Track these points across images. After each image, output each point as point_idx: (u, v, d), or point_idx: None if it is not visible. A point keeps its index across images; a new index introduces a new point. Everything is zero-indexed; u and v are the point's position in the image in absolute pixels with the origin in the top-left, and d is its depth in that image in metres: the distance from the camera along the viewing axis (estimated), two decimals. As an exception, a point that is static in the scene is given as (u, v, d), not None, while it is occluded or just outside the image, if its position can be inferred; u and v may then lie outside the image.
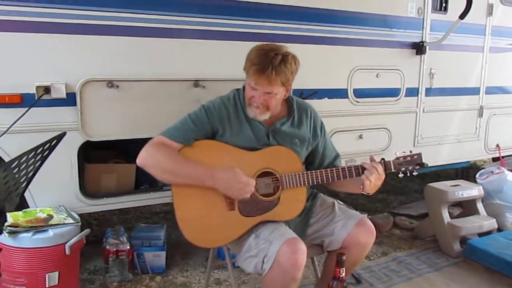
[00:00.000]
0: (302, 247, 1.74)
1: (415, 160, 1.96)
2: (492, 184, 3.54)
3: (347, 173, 1.92)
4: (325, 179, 1.92)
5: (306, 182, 1.90)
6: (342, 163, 2.96)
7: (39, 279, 2.03)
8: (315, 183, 1.92)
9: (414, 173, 1.97)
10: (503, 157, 4.04)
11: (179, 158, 1.83)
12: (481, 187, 3.33)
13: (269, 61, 1.78)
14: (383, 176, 1.90)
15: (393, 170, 1.94)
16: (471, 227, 3.12)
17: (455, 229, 3.07)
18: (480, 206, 3.31)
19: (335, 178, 1.92)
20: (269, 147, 1.93)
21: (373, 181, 1.87)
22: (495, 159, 4.33)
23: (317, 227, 2.03)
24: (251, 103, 1.88)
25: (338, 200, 2.12)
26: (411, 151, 1.98)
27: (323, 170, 1.93)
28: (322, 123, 2.12)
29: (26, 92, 2.17)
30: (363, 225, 1.93)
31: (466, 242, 3.01)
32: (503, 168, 3.70)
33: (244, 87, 1.95)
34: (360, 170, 1.90)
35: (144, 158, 1.83)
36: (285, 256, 1.69)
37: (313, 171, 1.92)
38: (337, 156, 2.16)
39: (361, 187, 1.91)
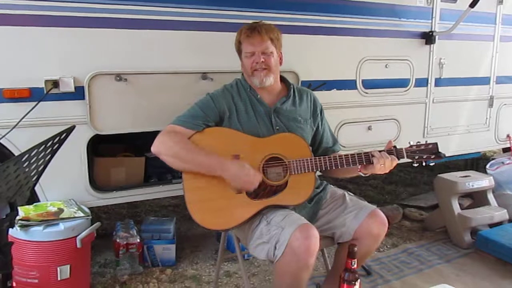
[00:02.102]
0: (315, 233, 1.74)
1: (431, 149, 1.93)
2: (502, 174, 3.51)
3: (357, 160, 1.92)
4: (333, 165, 1.92)
5: (314, 168, 1.92)
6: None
7: (50, 272, 2.05)
8: (323, 168, 1.93)
9: (431, 164, 1.93)
10: (513, 147, 4.00)
11: (191, 146, 1.87)
12: (491, 177, 3.30)
13: (255, 24, 2.03)
14: (394, 165, 1.90)
15: (405, 158, 1.92)
16: (481, 218, 3.09)
17: (466, 220, 3.05)
18: (490, 197, 3.29)
19: (344, 164, 1.92)
20: (277, 134, 1.98)
21: (380, 169, 1.88)
22: (505, 150, 4.28)
23: (327, 218, 2.02)
24: (253, 70, 1.99)
25: (348, 192, 2.12)
26: (426, 141, 1.96)
27: (331, 156, 1.94)
28: (321, 107, 2.17)
29: (35, 86, 2.17)
30: (376, 216, 1.92)
31: (477, 233, 2.99)
32: (514, 158, 3.67)
33: (242, 74, 2.08)
34: (370, 157, 1.89)
35: (157, 146, 1.88)
36: (297, 241, 1.69)
37: (321, 157, 1.93)
38: (335, 141, 2.20)
39: (359, 168, 1.93)
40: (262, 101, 2.03)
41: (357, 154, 1.92)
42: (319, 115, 2.15)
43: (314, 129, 2.12)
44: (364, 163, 1.91)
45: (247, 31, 1.99)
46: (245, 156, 1.90)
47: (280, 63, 2.08)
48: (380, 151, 1.90)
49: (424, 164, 1.94)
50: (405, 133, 3.31)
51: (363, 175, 1.97)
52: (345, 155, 1.94)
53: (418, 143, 1.95)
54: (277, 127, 2.00)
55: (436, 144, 1.95)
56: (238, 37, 2.04)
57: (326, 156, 1.94)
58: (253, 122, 1.98)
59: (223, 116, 1.97)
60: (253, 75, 2.00)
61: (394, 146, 1.93)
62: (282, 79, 2.13)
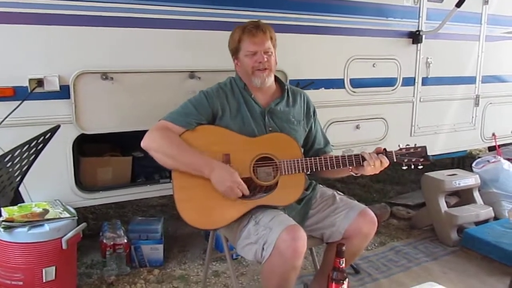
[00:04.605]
0: (302, 234, 1.73)
1: (419, 152, 1.94)
2: (488, 173, 3.55)
3: (347, 162, 1.92)
4: (324, 167, 1.92)
5: (304, 169, 1.91)
6: (339, 153, 2.96)
7: (36, 274, 2.02)
8: (314, 170, 1.93)
9: (419, 166, 1.94)
10: (499, 146, 4.04)
11: (182, 145, 1.85)
12: (477, 176, 3.34)
13: (256, 22, 2.00)
14: (384, 166, 1.90)
15: (395, 160, 1.93)
16: (468, 216, 3.12)
17: (452, 218, 3.08)
18: (476, 195, 3.33)
19: (335, 166, 1.92)
20: (269, 133, 1.97)
21: (370, 171, 1.89)
22: (491, 148, 4.34)
23: (317, 218, 2.02)
24: (255, 70, 1.96)
25: (337, 191, 2.12)
26: (415, 144, 1.96)
27: (322, 157, 1.94)
28: (314, 108, 2.17)
29: (19, 85, 2.13)
30: (365, 215, 1.93)
31: (463, 231, 3.02)
32: (499, 157, 3.71)
33: (236, 73, 2.05)
34: (360, 159, 1.90)
35: (147, 142, 1.87)
36: (285, 243, 1.68)
37: (312, 158, 1.93)
38: (327, 142, 2.19)
39: (350, 168, 1.93)
40: (256, 101, 2.01)
41: (348, 156, 1.92)
42: (312, 116, 2.14)
43: (307, 130, 2.12)
44: (355, 165, 1.91)
45: (251, 29, 1.95)
46: (235, 155, 1.89)
47: (276, 64, 2.05)
48: (370, 153, 1.90)
49: (412, 167, 1.94)
50: (392, 132, 3.32)
51: (354, 174, 1.97)
52: (335, 157, 1.93)
53: (408, 146, 1.95)
54: (270, 128, 1.99)
55: (425, 147, 1.96)
56: (238, 35, 1.97)
57: (317, 157, 1.94)
58: (246, 122, 1.96)
59: (216, 115, 1.95)
60: (255, 75, 1.97)
61: (384, 149, 1.93)
62: (276, 79, 2.11)
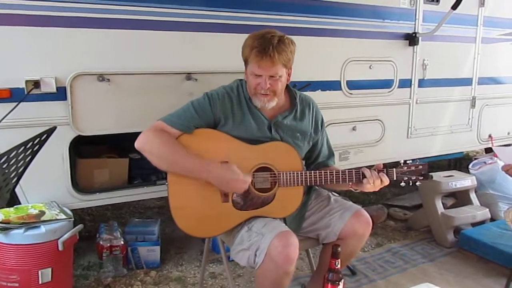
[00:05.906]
0: (294, 240, 1.72)
1: (419, 170, 1.91)
2: (485, 174, 3.57)
3: (347, 178, 1.88)
4: (323, 181, 1.88)
5: (303, 182, 1.87)
6: (336, 155, 2.97)
7: (32, 275, 2.01)
8: (312, 184, 1.90)
9: (417, 183, 1.92)
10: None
11: (177, 147, 1.80)
12: (474, 177, 3.36)
13: (268, 42, 1.78)
14: (384, 185, 1.88)
15: (394, 179, 1.91)
16: (464, 217, 3.14)
17: (449, 219, 3.09)
18: (473, 196, 3.34)
19: (334, 181, 1.89)
20: (270, 142, 1.91)
21: (370, 188, 1.87)
22: (487, 150, 4.35)
23: (312, 220, 2.01)
24: (257, 92, 1.86)
25: (333, 192, 2.12)
26: (417, 161, 1.93)
27: (322, 171, 1.89)
28: (322, 118, 2.11)
29: (15, 86, 2.13)
30: (360, 216, 1.92)
31: (459, 232, 3.03)
32: (495, 158, 3.72)
33: (245, 80, 1.95)
34: (360, 176, 1.87)
35: (142, 142, 1.81)
36: (276, 249, 1.67)
37: (312, 172, 1.89)
38: (331, 155, 2.15)
39: (350, 184, 1.91)
40: (262, 113, 1.92)
41: (348, 171, 1.88)
42: (320, 130, 2.07)
43: (312, 144, 2.06)
44: (354, 181, 1.89)
45: (258, 53, 1.77)
46: (234, 163, 1.84)
47: (288, 80, 1.92)
48: (371, 170, 1.86)
49: (410, 184, 1.92)
50: (389, 133, 3.33)
51: (353, 190, 1.95)
52: (336, 171, 1.89)
53: (409, 163, 1.92)
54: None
55: (426, 164, 1.92)
56: (247, 52, 1.83)
57: (317, 172, 1.89)
58: (249, 133, 1.89)
59: (218, 122, 1.88)
60: (256, 97, 1.86)
61: (385, 167, 1.90)
62: (287, 88, 1.99)
